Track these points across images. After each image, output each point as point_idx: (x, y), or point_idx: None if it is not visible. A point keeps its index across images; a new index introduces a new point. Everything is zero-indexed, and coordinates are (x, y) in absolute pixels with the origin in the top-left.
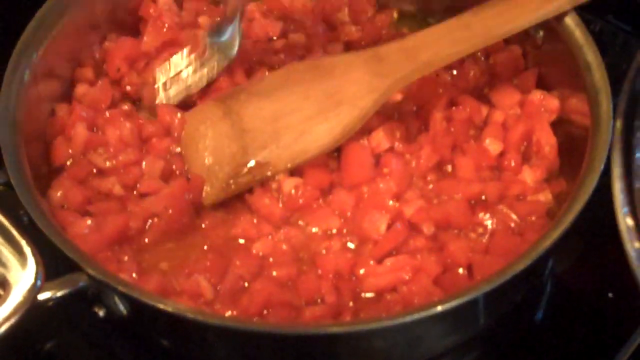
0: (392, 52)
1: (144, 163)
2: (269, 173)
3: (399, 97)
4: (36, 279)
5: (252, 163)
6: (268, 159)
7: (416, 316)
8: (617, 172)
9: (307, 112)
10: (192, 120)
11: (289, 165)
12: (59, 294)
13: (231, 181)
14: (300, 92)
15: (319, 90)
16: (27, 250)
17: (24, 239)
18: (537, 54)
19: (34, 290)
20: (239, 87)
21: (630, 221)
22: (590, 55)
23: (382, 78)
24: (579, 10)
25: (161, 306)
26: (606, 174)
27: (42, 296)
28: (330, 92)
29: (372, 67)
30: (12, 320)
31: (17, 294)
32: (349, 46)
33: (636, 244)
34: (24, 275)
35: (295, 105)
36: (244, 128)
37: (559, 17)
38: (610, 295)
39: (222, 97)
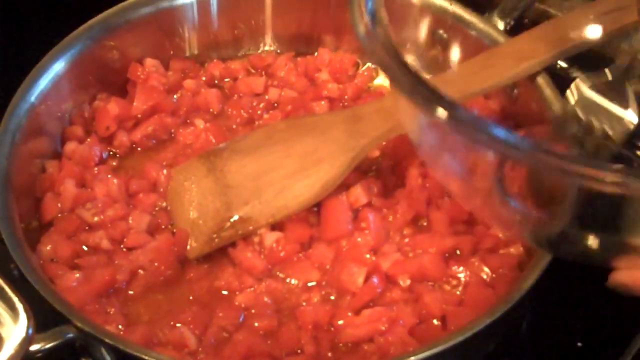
0: (369, 112)
1: (130, 218)
2: (251, 227)
3: (376, 153)
4: (27, 333)
5: (235, 218)
6: (250, 214)
7: None
8: None
9: (288, 169)
10: (177, 176)
11: (270, 220)
12: (48, 345)
13: (215, 235)
14: (281, 150)
15: (299, 148)
16: (19, 306)
17: (16, 295)
18: (511, 111)
19: (26, 344)
20: (222, 145)
21: None
22: (560, 111)
23: (359, 137)
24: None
25: (146, 357)
26: None
27: (32, 348)
28: (310, 150)
29: (350, 126)
30: None
31: (9, 348)
32: (331, 103)
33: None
34: (16, 330)
35: (277, 162)
36: (227, 184)
37: (532, 76)
38: (579, 344)
39: (206, 154)
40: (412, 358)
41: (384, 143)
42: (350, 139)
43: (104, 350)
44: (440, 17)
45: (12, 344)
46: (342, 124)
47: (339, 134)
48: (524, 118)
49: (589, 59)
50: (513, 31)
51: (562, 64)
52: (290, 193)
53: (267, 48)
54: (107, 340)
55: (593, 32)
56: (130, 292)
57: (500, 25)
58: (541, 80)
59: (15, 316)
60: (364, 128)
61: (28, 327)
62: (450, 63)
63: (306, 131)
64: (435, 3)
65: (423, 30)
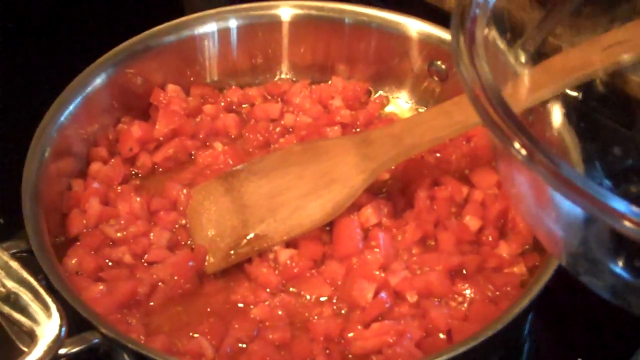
0: (379, 137)
1: (152, 234)
2: (266, 244)
3: (386, 176)
4: (60, 331)
5: (251, 235)
6: (266, 232)
7: None
8: None
9: (302, 190)
10: (197, 195)
11: (285, 238)
12: (74, 349)
13: (232, 252)
14: (295, 172)
15: (313, 170)
16: (53, 306)
17: (50, 296)
18: None
19: (59, 341)
20: (240, 167)
21: None
22: (568, 138)
23: (370, 160)
24: None
25: None
26: None
27: (60, 351)
28: (323, 172)
29: (361, 150)
30: None
31: (43, 344)
32: (344, 128)
33: None
34: (49, 327)
35: (291, 183)
36: (244, 204)
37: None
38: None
39: (224, 175)
40: None
41: (393, 167)
42: (361, 162)
43: (126, 356)
44: (438, 48)
45: (45, 341)
46: (354, 148)
47: (351, 157)
48: None
49: None
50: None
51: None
52: (303, 212)
53: (283, 76)
54: (130, 346)
55: (601, 63)
56: (151, 304)
57: (522, 57)
58: (547, 106)
59: (48, 315)
60: (375, 152)
61: (61, 326)
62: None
63: (319, 154)
64: (433, 34)
65: (419, 60)
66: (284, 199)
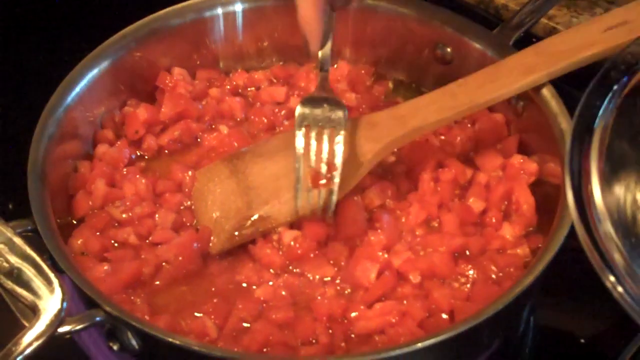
0: (384, 119)
1: (157, 215)
2: (270, 226)
3: (392, 159)
4: (62, 305)
5: (255, 216)
6: (270, 213)
7: (398, 351)
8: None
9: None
10: (202, 177)
11: (289, 219)
12: (78, 327)
13: (236, 232)
14: None
15: None
16: (55, 281)
17: (52, 272)
18: (518, 122)
19: (60, 315)
20: (245, 149)
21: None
22: (564, 123)
23: (375, 142)
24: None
25: (170, 340)
26: None
27: (63, 329)
28: None
29: (366, 132)
30: (42, 340)
31: (45, 318)
32: (350, 111)
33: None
34: (52, 301)
35: None
36: (248, 185)
37: (537, 89)
38: (582, 340)
39: (229, 157)
40: (419, 345)
41: (397, 149)
42: (365, 143)
43: (130, 335)
44: (442, 31)
45: (48, 315)
46: (358, 130)
47: (355, 139)
48: (529, 132)
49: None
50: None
51: None
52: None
53: (289, 60)
54: (134, 324)
55: (598, 46)
56: (157, 283)
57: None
58: (546, 92)
59: (51, 290)
60: (379, 134)
61: (63, 301)
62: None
63: None
64: (437, 18)
65: (424, 44)
66: (288, 181)
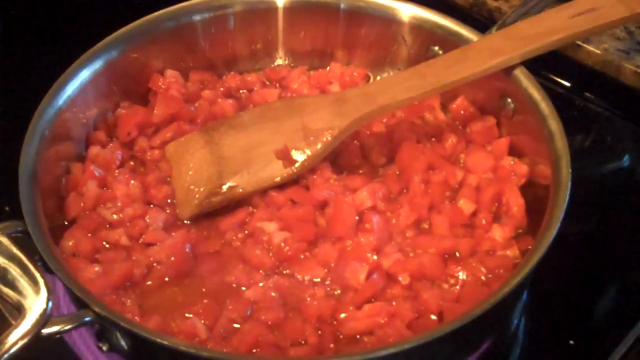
0: (354, 96)
1: (147, 216)
2: (239, 194)
3: (382, 160)
4: (47, 304)
5: (225, 186)
6: (239, 182)
7: (385, 352)
8: None
9: (277, 144)
10: (178, 147)
11: (257, 188)
12: (67, 327)
13: (206, 200)
14: (272, 127)
15: (288, 125)
16: (40, 281)
17: (38, 271)
18: (509, 124)
19: (46, 314)
20: (221, 120)
21: None
22: (554, 125)
23: (343, 118)
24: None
25: (159, 341)
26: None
27: (51, 329)
28: (297, 128)
29: (336, 108)
30: (27, 339)
31: (31, 317)
32: None
33: None
34: (37, 301)
35: (267, 138)
36: (221, 155)
37: (527, 90)
38: (571, 342)
39: (206, 128)
40: (406, 345)
41: (386, 152)
42: (334, 119)
43: (119, 335)
44: (435, 34)
45: (34, 314)
46: (329, 106)
47: (325, 115)
48: (520, 134)
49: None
50: None
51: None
52: (276, 165)
53: (281, 62)
54: (122, 324)
55: (566, 31)
56: (148, 283)
57: None
58: (537, 95)
59: (37, 289)
60: (348, 110)
61: (48, 300)
62: None
63: (296, 111)
64: (429, 20)
65: (416, 46)
66: (259, 152)
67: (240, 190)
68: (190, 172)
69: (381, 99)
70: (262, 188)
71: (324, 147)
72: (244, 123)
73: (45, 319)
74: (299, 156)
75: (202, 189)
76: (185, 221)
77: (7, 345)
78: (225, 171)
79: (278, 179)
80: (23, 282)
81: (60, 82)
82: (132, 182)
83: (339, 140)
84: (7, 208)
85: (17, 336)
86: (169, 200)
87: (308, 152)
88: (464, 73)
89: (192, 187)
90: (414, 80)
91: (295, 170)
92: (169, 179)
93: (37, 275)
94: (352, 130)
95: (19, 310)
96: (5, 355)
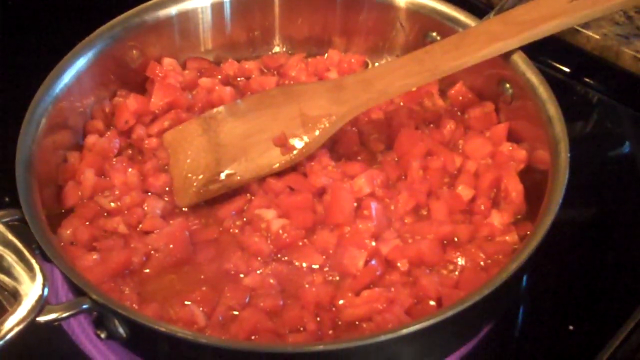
0: (351, 83)
1: (145, 205)
2: (237, 182)
3: (381, 147)
4: (43, 291)
5: (223, 173)
6: (237, 170)
7: (383, 337)
8: None
9: (274, 131)
10: (177, 135)
11: (254, 176)
12: (64, 315)
13: (204, 188)
14: (269, 114)
15: (286, 112)
16: (36, 267)
17: (34, 258)
18: (507, 110)
19: (42, 300)
20: (219, 108)
21: None
22: (552, 109)
23: (341, 104)
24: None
25: (157, 328)
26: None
27: (49, 317)
28: (295, 115)
29: (333, 95)
30: (23, 325)
31: (27, 303)
32: None
33: None
34: (33, 287)
35: (265, 125)
36: (219, 143)
37: (525, 75)
38: (570, 328)
39: (204, 116)
40: (404, 331)
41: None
42: (332, 106)
43: (117, 322)
44: (432, 19)
45: (29, 300)
46: (326, 93)
47: (323, 102)
48: (519, 120)
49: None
50: None
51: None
52: (273, 153)
53: (279, 49)
54: (120, 311)
55: (564, 16)
56: (146, 271)
57: None
58: (535, 79)
59: (32, 276)
60: (346, 96)
61: (44, 286)
62: None
63: (293, 97)
64: (426, 5)
65: (414, 32)
66: (256, 140)
67: (238, 177)
68: (188, 160)
69: (379, 85)
70: (260, 175)
71: (322, 134)
72: (241, 110)
73: (41, 304)
74: (297, 143)
75: (200, 177)
76: (184, 209)
77: (3, 331)
78: (223, 159)
79: (276, 166)
80: (19, 269)
81: (57, 71)
82: (130, 170)
83: (337, 127)
84: (6, 199)
85: (13, 322)
86: (167, 188)
87: (306, 139)
88: (462, 58)
89: (189, 175)
90: (412, 66)
91: (293, 158)
92: (166, 167)
93: (33, 261)
94: (350, 117)
95: (14, 297)
96: (1, 342)
